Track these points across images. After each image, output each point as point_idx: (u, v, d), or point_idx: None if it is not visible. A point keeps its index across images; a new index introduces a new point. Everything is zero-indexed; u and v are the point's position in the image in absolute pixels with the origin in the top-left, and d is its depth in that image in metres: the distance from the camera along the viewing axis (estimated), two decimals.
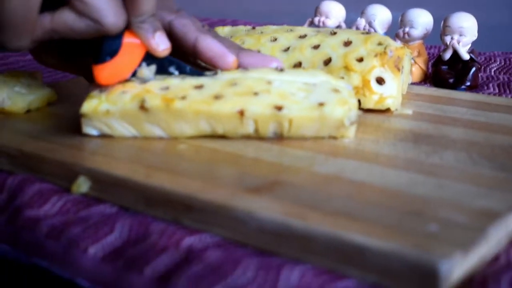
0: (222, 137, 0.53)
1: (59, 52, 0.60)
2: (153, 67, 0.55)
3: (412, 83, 0.78)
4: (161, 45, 0.53)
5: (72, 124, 0.57)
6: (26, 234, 0.45)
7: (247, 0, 2.24)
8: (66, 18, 0.50)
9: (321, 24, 0.90)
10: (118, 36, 0.52)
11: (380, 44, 0.63)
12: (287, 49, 0.65)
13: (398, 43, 0.64)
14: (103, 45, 0.52)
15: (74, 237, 0.43)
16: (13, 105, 0.62)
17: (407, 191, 0.44)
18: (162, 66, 0.55)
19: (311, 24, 0.92)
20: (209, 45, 0.56)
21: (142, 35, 0.53)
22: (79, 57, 0.60)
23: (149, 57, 0.54)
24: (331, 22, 0.90)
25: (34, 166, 0.51)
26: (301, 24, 0.92)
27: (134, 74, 0.54)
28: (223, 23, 1.28)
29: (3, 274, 0.46)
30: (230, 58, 0.55)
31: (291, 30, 0.68)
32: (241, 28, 0.71)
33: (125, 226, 0.43)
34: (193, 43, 0.56)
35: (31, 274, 0.45)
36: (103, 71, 0.52)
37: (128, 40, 0.53)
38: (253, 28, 0.71)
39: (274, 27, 0.70)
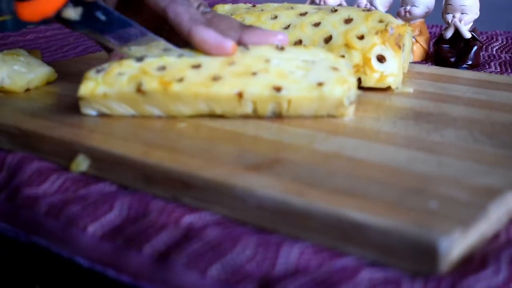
0: (221, 116, 0.53)
1: None
2: (79, 9, 0.53)
3: (414, 62, 0.77)
4: None
5: (71, 103, 0.57)
6: (25, 212, 0.45)
7: None
8: None
9: (322, 2, 0.89)
10: None
11: (381, 21, 0.62)
12: (287, 27, 0.65)
13: (399, 21, 0.64)
14: None
15: (73, 215, 0.43)
16: (13, 84, 0.61)
17: (407, 168, 0.44)
18: (89, 10, 0.54)
19: (312, 2, 0.91)
20: (203, 38, 0.54)
21: None
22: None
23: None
24: (332, 0, 0.89)
25: (33, 145, 0.51)
26: (302, 2, 0.92)
27: (59, 15, 0.53)
28: (224, 1, 1.27)
29: (2, 252, 0.46)
30: (227, 46, 0.53)
31: (291, 8, 0.67)
32: (242, 5, 0.70)
33: (124, 204, 0.43)
34: (186, 35, 0.55)
35: (30, 252, 0.45)
36: (26, 8, 0.51)
37: None
38: (254, 5, 0.70)
39: (275, 4, 0.69)
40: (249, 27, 0.57)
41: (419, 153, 0.46)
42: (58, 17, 0.53)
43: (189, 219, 0.42)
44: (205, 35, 0.54)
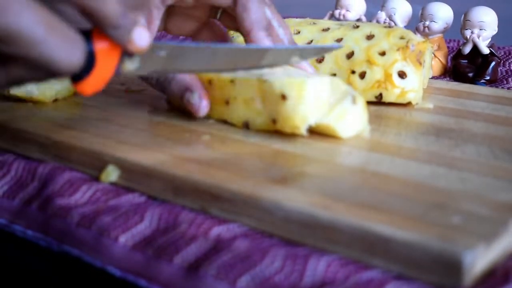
0: (246, 127, 0.55)
1: None
2: (136, 58, 0.47)
3: (432, 77, 0.79)
4: (142, 43, 0.45)
5: (98, 113, 0.59)
6: (58, 222, 0.46)
7: None
8: (20, 72, 0.42)
9: (341, 17, 0.90)
10: (88, 45, 0.44)
11: (402, 38, 0.64)
12: (310, 42, 0.66)
13: (420, 37, 0.65)
14: None
15: (105, 226, 0.44)
16: (41, 94, 0.63)
17: (430, 183, 0.45)
18: (145, 53, 0.47)
19: (332, 17, 0.93)
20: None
21: (117, 41, 0.45)
22: None
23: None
24: (352, 15, 0.90)
25: (63, 155, 0.53)
26: (321, 16, 0.93)
27: (119, 72, 0.47)
28: None
29: (35, 260, 0.48)
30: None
31: (314, 23, 0.68)
32: None
33: (154, 215, 0.45)
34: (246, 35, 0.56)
35: (62, 261, 0.46)
36: (85, 86, 0.45)
37: (100, 45, 0.44)
38: None
39: (297, 20, 0.71)
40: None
41: (441, 168, 0.47)
42: (119, 73, 0.48)
43: (217, 230, 0.43)
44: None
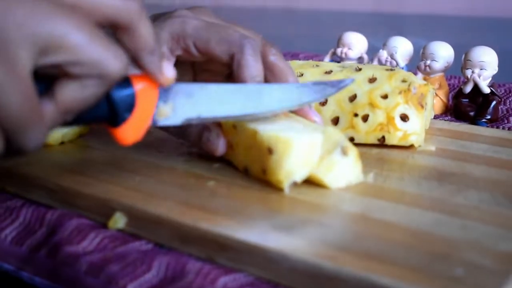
0: (246, 172, 0.56)
1: None
2: (170, 103, 0.49)
3: (434, 116, 0.79)
4: (170, 74, 0.47)
5: (106, 157, 0.60)
6: (66, 270, 0.47)
7: (269, 25, 2.27)
8: (69, 93, 0.41)
9: (343, 55, 0.92)
10: (127, 87, 0.46)
11: (404, 81, 0.65)
12: None
13: (421, 80, 0.66)
14: (115, 103, 0.45)
15: (113, 274, 0.45)
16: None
17: (432, 232, 0.46)
18: (178, 103, 0.50)
19: (334, 55, 0.94)
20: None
21: (150, 71, 0.46)
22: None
23: (161, 94, 0.49)
24: (354, 53, 0.92)
25: (71, 201, 0.53)
26: (323, 50, 0.94)
27: (154, 119, 0.49)
28: None
29: None
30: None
31: (316, 66, 0.70)
32: None
33: (162, 265, 0.45)
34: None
35: None
36: (126, 131, 0.46)
37: (139, 86, 0.46)
38: None
39: (300, 62, 0.72)
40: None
41: (443, 216, 0.48)
42: (156, 123, 0.49)
43: (224, 280, 0.43)
44: None
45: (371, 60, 0.89)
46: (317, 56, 1.12)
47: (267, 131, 0.52)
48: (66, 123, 0.44)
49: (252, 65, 0.55)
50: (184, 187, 0.54)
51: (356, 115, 0.64)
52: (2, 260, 0.51)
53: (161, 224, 0.48)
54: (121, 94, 0.45)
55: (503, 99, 0.88)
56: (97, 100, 0.43)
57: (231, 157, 0.58)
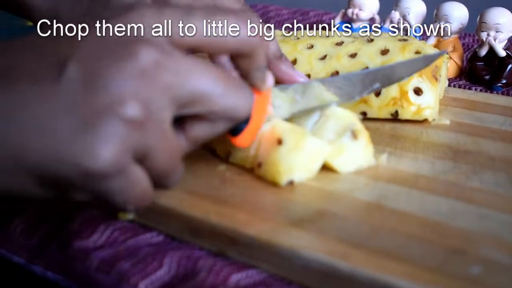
0: (226, 158, 0.55)
1: None
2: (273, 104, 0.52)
3: (448, 79, 0.78)
4: (270, 83, 0.50)
5: None
6: (77, 265, 0.46)
7: None
8: (201, 132, 0.44)
9: (354, 16, 0.89)
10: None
11: (417, 52, 0.63)
12: (323, 57, 0.65)
13: (436, 51, 0.64)
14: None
15: (124, 271, 0.45)
16: None
17: (448, 223, 0.45)
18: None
19: (344, 15, 0.92)
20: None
21: (257, 85, 0.49)
22: None
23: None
24: (365, 14, 0.89)
25: None
26: (333, 8, 0.92)
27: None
28: (255, 8, 1.27)
29: None
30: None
31: (327, 36, 0.68)
32: (277, 33, 0.71)
33: (173, 262, 0.45)
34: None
35: None
36: (244, 139, 0.49)
37: (255, 96, 0.48)
38: (288, 32, 0.71)
39: (310, 32, 0.70)
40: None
41: (459, 203, 0.47)
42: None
43: (236, 277, 0.43)
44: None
45: (383, 21, 0.87)
46: (327, 14, 1.09)
47: (281, 122, 0.51)
48: None
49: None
50: (194, 174, 0.53)
51: None
52: (13, 252, 0.50)
53: (171, 216, 0.48)
54: None
55: None
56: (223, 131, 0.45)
57: (214, 143, 0.56)
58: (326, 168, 0.52)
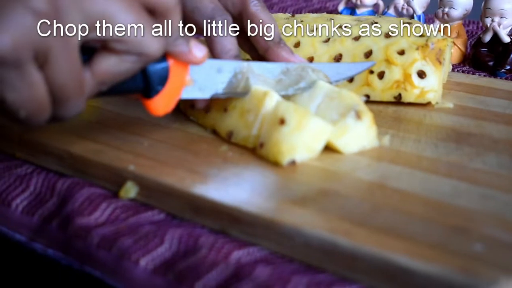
0: (229, 138, 0.55)
1: None
2: (200, 78, 0.52)
3: (452, 65, 0.77)
4: (199, 54, 0.50)
5: (116, 121, 0.59)
6: (78, 243, 0.46)
7: None
8: (107, 66, 0.44)
9: (358, 1, 0.89)
10: (162, 61, 0.49)
11: (422, 35, 0.63)
12: (327, 40, 0.65)
13: (440, 34, 0.64)
14: (150, 76, 0.48)
15: (125, 248, 0.44)
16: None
17: (450, 202, 0.45)
18: (205, 70, 0.53)
19: (348, 1, 0.91)
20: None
21: (178, 54, 0.49)
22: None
23: (193, 70, 0.52)
24: (369, 0, 0.89)
25: (82, 169, 0.53)
26: None
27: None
28: None
29: (56, 279, 0.48)
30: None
31: (331, 19, 0.67)
32: (280, 15, 0.71)
33: (174, 238, 0.45)
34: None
35: (84, 281, 0.46)
36: (158, 103, 0.50)
37: (173, 61, 0.49)
38: (293, 15, 0.71)
39: (314, 15, 0.70)
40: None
41: (462, 183, 0.47)
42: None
43: (238, 254, 0.43)
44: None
45: (387, 7, 0.87)
46: (331, 0, 1.09)
47: (284, 102, 0.51)
48: (100, 94, 0.47)
49: (223, 40, 0.55)
50: (196, 154, 0.52)
51: (371, 72, 0.62)
52: (14, 230, 0.50)
53: (173, 195, 0.48)
54: (155, 67, 0.48)
55: None
56: (131, 75, 0.46)
57: (217, 124, 0.56)
58: (328, 149, 0.52)
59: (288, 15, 0.71)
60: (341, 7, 0.93)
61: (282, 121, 0.50)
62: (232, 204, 0.45)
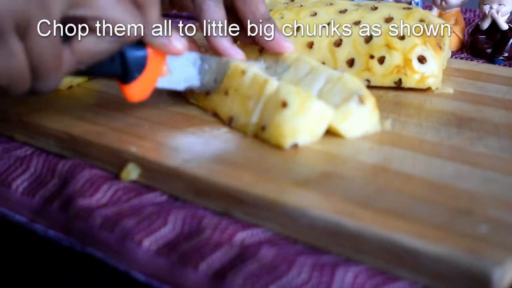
0: (229, 123, 0.54)
1: None
2: (176, 69, 0.54)
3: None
4: (178, 45, 0.51)
5: (115, 103, 0.58)
6: (80, 224, 0.46)
7: None
8: (86, 44, 0.46)
9: None
10: (141, 49, 0.51)
11: (422, 20, 0.63)
12: (327, 24, 0.65)
13: (440, 19, 0.64)
14: (128, 62, 0.50)
15: (128, 229, 0.44)
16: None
17: (453, 185, 0.45)
18: (182, 65, 0.54)
19: None
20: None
21: (158, 45, 0.51)
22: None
23: (170, 60, 0.53)
24: None
25: (82, 151, 0.52)
26: None
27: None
28: None
29: (58, 261, 0.48)
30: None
31: (331, 4, 0.67)
32: (280, 0, 0.71)
33: (178, 219, 0.44)
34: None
35: (85, 262, 0.46)
36: (134, 89, 0.51)
37: (151, 50, 0.51)
38: (292, 0, 0.70)
39: (314, 0, 0.69)
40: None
41: (464, 167, 0.47)
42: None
43: (242, 236, 0.43)
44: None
45: None
46: None
47: (285, 85, 0.51)
48: (79, 73, 0.49)
49: (212, 10, 0.56)
50: (198, 136, 0.52)
51: (372, 57, 0.62)
52: (14, 211, 0.50)
53: (175, 176, 0.47)
54: (134, 54, 0.50)
55: None
56: (109, 56, 0.48)
57: (218, 107, 0.56)
58: (330, 133, 0.52)
59: None
60: None
61: (284, 104, 0.50)
62: (236, 186, 0.45)
